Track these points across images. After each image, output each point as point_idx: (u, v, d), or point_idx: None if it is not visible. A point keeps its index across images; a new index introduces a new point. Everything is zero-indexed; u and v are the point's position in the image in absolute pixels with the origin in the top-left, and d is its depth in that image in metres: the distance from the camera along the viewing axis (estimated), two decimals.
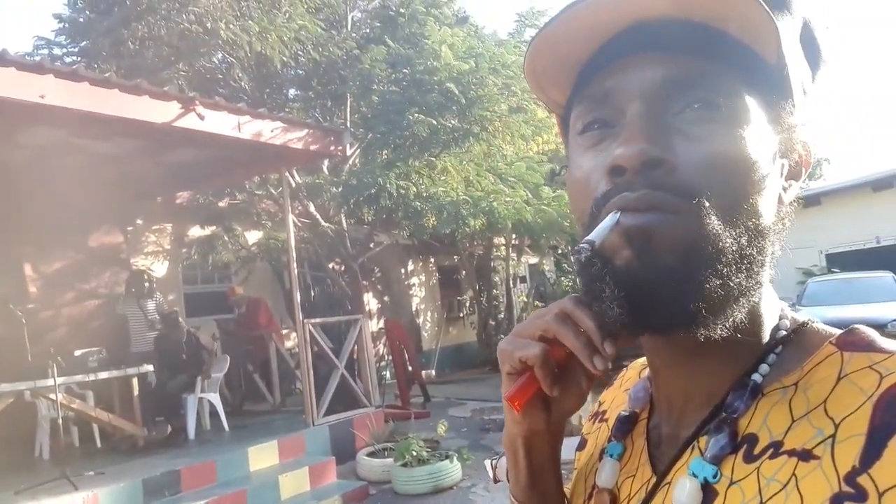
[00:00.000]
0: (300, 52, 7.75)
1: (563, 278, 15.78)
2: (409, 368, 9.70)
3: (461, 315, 14.57)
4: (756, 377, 0.49)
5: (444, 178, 7.96)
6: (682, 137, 0.47)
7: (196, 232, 9.37)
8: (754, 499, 0.44)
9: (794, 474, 0.43)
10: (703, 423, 0.51)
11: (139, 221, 8.80)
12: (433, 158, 8.01)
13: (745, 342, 0.50)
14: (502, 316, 13.76)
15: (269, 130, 6.17)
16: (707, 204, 0.45)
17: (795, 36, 0.52)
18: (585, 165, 0.51)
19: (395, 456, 5.97)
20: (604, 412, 0.73)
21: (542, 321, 0.53)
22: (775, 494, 0.43)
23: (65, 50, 9.08)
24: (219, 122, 5.67)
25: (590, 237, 0.46)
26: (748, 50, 0.47)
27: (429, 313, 14.02)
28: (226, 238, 9.46)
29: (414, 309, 13.12)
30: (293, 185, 8.22)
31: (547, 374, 0.53)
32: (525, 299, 14.63)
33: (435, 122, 7.19)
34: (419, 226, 7.84)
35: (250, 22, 6.84)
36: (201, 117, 5.37)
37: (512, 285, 13.67)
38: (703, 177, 0.46)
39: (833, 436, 0.42)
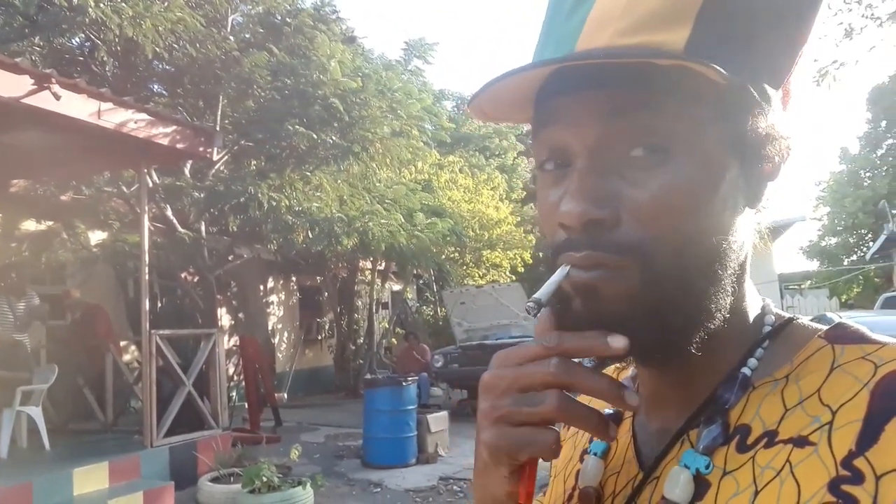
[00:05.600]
0: (175, 46, 7.26)
1: (424, 307, 15.94)
2: (262, 390, 9.24)
3: (319, 338, 14.20)
4: (745, 371, 0.49)
5: (318, 194, 7.76)
6: (626, 185, 0.46)
7: (30, 226, 8.38)
8: (749, 488, 0.43)
9: (788, 461, 0.42)
10: (692, 416, 0.50)
11: None
12: (308, 173, 7.80)
13: (728, 339, 0.50)
14: (362, 341, 13.59)
15: (132, 122, 5.68)
16: (649, 258, 0.46)
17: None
18: (546, 203, 0.51)
19: (243, 481, 5.59)
20: None
21: (536, 377, 0.46)
22: (770, 482, 0.42)
23: None
24: (76, 106, 5.13)
25: (537, 295, 0.48)
26: (690, 73, 0.44)
27: (286, 334, 13.52)
28: (65, 235, 8.54)
29: (270, 328, 12.58)
30: (150, 184, 7.63)
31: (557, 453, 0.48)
32: (386, 325, 14.57)
33: (315, 137, 7.01)
34: (288, 240, 7.55)
35: (124, 4, 6.30)
36: (57, 97, 4.83)
37: (374, 311, 13.56)
38: (646, 229, 0.46)
39: (830, 423, 0.42)
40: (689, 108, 0.46)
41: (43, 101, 4.83)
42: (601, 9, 0.46)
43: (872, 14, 8.99)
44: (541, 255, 17.41)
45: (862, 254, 26.64)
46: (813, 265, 30.38)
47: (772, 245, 20.99)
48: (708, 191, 0.47)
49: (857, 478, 0.39)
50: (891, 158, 27.81)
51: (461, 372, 10.63)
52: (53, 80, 4.83)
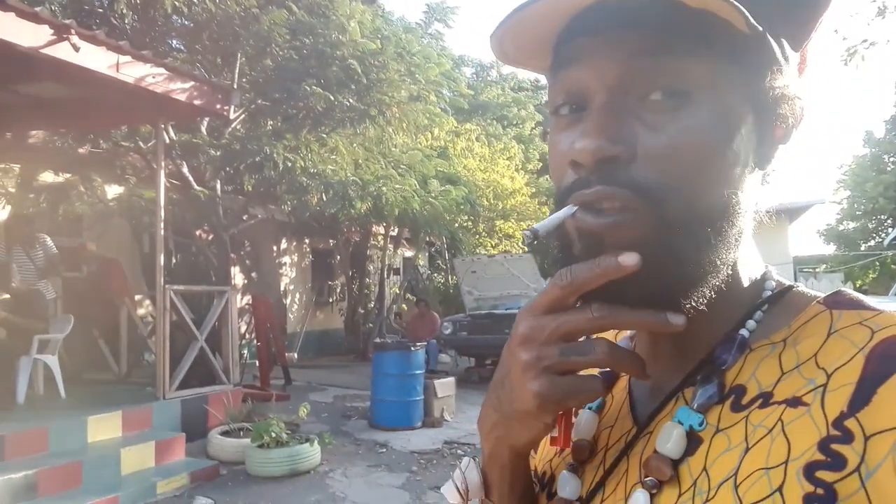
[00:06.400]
0: (195, 1, 7.20)
1: (435, 275, 15.98)
2: (273, 349, 9.37)
3: (331, 300, 14.32)
4: (743, 332, 0.50)
5: (333, 156, 7.74)
6: (643, 127, 0.46)
7: (48, 177, 8.46)
8: (740, 444, 0.44)
9: (780, 419, 0.43)
10: (688, 375, 0.51)
11: None
12: (324, 135, 7.77)
13: (728, 301, 0.50)
14: (372, 305, 13.68)
15: (151, 76, 5.67)
16: (661, 202, 0.45)
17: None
18: (558, 147, 0.51)
19: (252, 436, 5.72)
20: None
21: (580, 325, 0.47)
22: (761, 439, 0.43)
23: None
24: (95, 58, 5.12)
25: (536, 226, 0.48)
26: (716, 19, 0.44)
27: (297, 295, 13.64)
28: (82, 188, 8.61)
29: (282, 289, 12.69)
30: (167, 140, 7.64)
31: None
32: (397, 291, 14.65)
33: (332, 98, 6.96)
34: (302, 202, 7.56)
35: None
36: (76, 48, 4.81)
37: (385, 276, 13.62)
38: (661, 171, 0.45)
39: (825, 385, 0.42)
40: (713, 55, 0.46)
41: (62, 51, 4.81)
42: None
43: None
44: None
45: (880, 239, 26.32)
46: (829, 249, 30.06)
47: (789, 226, 20.77)
48: (724, 141, 0.46)
49: (847, 437, 0.39)
50: None
51: (470, 340, 10.71)
52: (73, 31, 4.81)
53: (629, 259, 0.44)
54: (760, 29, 0.44)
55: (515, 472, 0.56)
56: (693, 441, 0.47)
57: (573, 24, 0.48)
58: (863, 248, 27.40)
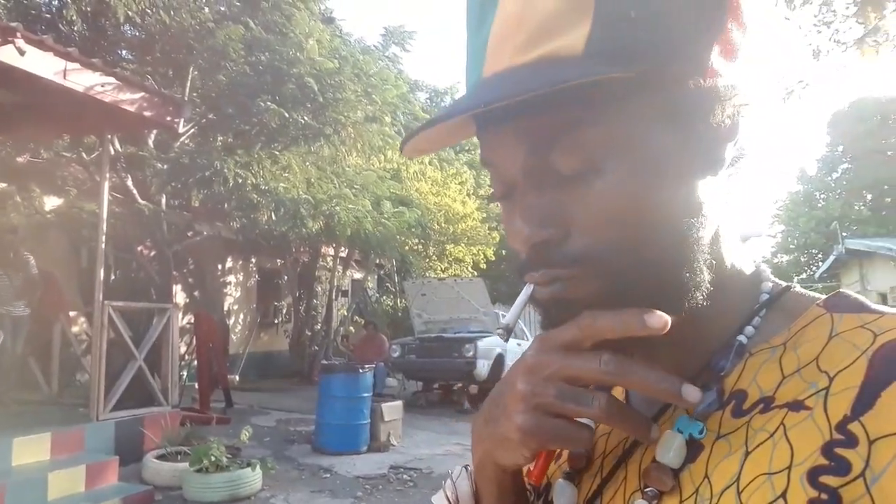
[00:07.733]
0: (148, 11, 7.06)
1: (384, 297, 15.88)
2: (214, 369, 9.08)
3: (276, 322, 14.03)
4: (741, 338, 0.49)
5: (286, 174, 7.65)
6: (569, 200, 0.46)
7: None
8: (740, 448, 0.43)
9: (782, 423, 0.42)
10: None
11: None
12: (277, 152, 7.68)
13: (725, 306, 0.49)
14: (319, 327, 13.46)
15: (99, 85, 5.51)
16: (603, 263, 0.45)
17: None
18: (507, 225, 0.52)
19: (190, 460, 5.50)
20: None
21: (586, 372, 0.46)
22: (762, 443, 0.42)
23: None
24: (41, 63, 4.94)
25: (504, 321, 0.50)
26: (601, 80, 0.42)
27: (241, 315, 13.31)
28: (18, 199, 8.25)
29: (226, 309, 12.37)
30: (112, 152, 7.41)
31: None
32: (345, 313, 14.47)
33: (287, 115, 6.90)
34: (252, 219, 7.42)
35: None
36: (21, 52, 4.64)
37: (334, 298, 13.45)
38: (597, 239, 0.45)
39: (827, 388, 0.42)
40: (610, 111, 0.44)
41: (6, 55, 4.64)
42: (501, 21, 0.45)
43: (839, 39, 9.27)
44: (504, 252, 17.53)
45: (812, 272, 27.57)
46: None
47: None
48: (653, 186, 0.45)
49: (851, 441, 0.38)
50: (845, 182, 28.84)
51: (418, 363, 10.64)
52: (18, 35, 4.64)
53: (655, 321, 0.43)
54: (649, 67, 0.42)
55: (503, 486, 0.55)
56: (693, 448, 0.46)
57: (476, 116, 0.49)
58: (795, 281, 28.63)
